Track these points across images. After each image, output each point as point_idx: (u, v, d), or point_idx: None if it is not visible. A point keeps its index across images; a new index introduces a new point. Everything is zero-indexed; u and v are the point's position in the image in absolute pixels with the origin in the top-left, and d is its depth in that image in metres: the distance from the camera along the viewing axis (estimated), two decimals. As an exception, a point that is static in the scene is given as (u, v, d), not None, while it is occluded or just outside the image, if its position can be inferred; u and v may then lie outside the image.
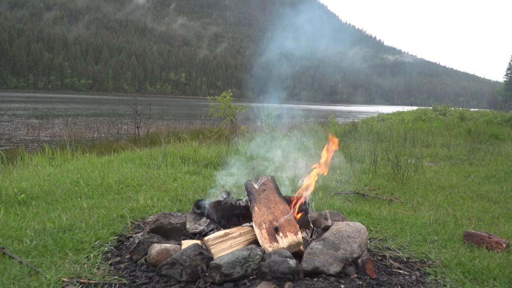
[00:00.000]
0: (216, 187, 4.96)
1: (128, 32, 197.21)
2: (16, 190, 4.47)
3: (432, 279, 2.64)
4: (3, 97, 57.20)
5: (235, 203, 3.21)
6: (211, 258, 2.61)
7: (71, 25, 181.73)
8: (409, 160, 7.40)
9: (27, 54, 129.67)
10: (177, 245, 2.82)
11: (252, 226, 2.88)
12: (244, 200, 3.23)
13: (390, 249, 3.15)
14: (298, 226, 2.91)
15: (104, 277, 2.54)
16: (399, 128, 14.61)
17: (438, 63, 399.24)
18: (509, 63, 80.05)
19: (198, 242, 2.81)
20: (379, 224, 3.79)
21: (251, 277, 2.49)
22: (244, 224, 3.02)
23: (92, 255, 2.85)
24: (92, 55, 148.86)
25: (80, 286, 2.42)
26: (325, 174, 3.34)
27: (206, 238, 2.75)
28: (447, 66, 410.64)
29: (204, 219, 3.24)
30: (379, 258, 2.99)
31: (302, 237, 2.87)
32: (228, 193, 3.66)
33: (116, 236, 3.31)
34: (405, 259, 2.96)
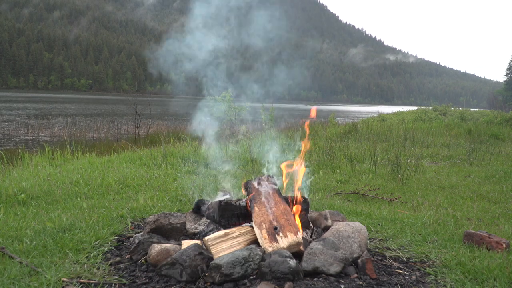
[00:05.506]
0: (216, 187, 4.96)
1: (128, 32, 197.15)
2: (16, 190, 4.47)
3: (432, 279, 2.64)
4: (3, 97, 57.20)
5: (235, 203, 3.21)
6: (211, 258, 2.61)
7: (71, 25, 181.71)
8: (409, 160, 7.40)
9: (27, 54, 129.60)
10: (177, 245, 2.82)
11: (252, 226, 2.88)
12: (244, 200, 3.23)
13: (390, 249, 3.15)
14: (298, 226, 2.91)
15: (104, 277, 2.54)
16: (399, 128, 14.61)
17: (438, 63, 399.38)
18: (509, 63, 80.00)
19: (198, 242, 2.81)
20: (379, 224, 3.79)
21: (251, 277, 2.49)
22: (244, 224, 3.02)
23: (92, 255, 2.85)
24: (92, 55, 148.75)
25: (80, 286, 2.42)
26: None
27: (206, 238, 2.75)
28: (447, 66, 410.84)
29: (204, 219, 3.24)
30: (379, 258, 2.99)
31: (302, 237, 2.87)
32: (228, 193, 3.66)
33: (116, 236, 3.31)
34: (405, 259, 2.96)
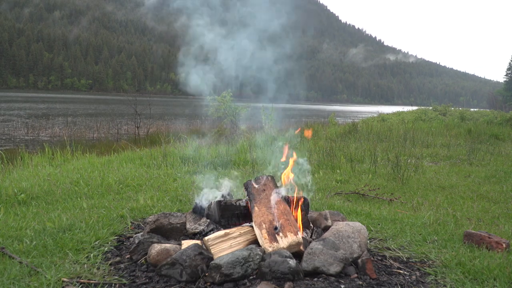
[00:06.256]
0: (217, 188, 4.95)
1: (128, 32, 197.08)
2: (16, 190, 4.48)
3: (432, 279, 2.64)
4: (3, 97, 57.19)
5: (235, 203, 3.21)
6: (211, 258, 2.61)
7: (71, 25, 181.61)
8: (409, 160, 7.40)
9: (27, 54, 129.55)
10: (177, 245, 2.82)
11: (252, 226, 2.88)
12: (244, 200, 3.23)
13: (390, 249, 3.15)
14: (298, 226, 2.91)
15: (104, 277, 2.54)
16: (399, 128, 14.61)
17: (438, 63, 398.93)
18: (509, 63, 79.95)
19: (198, 242, 2.81)
20: (379, 224, 3.79)
21: (251, 277, 2.49)
22: (244, 224, 3.02)
23: (92, 255, 2.85)
24: (92, 55, 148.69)
25: (80, 286, 2.42)
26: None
27: (206, 238, 2.75)
28: (447, 66, 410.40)
29: (204, 219, 3.24)
30: (379, 258, 2.99)
31: (302, 237, 2.88)
32: (228, 193, 3.66)
33: (116, 236, 3.31)
34: (405, 259, 2.97)
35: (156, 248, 2.72)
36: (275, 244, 2.67)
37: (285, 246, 2.66)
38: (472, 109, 45.00)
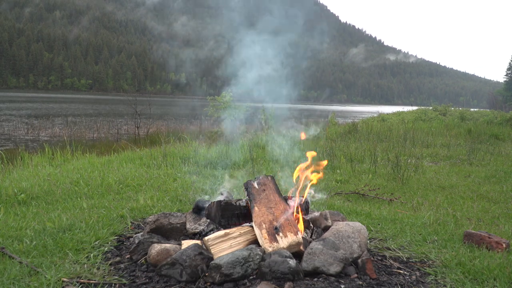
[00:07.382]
0: (216, 187, 4.96)
1: (128, 32, 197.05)
2: (16, 190, 4.48)
3: (432, 279, 2.64)
4: (3, 97, 57.18)
5: (235, 203, 3.21)
6: (211, 258, 2.61)
7: (71, 25, 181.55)
8: (409, 160, 7.40)
9: (27, 54, 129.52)
10: (177, 245, 2.82)
11: (252, 226, 2.88)
12: (244, 200, 3.23)
13: (390, 249, 3.15)
14: (298, 226, 2.91)
15: (104, 277, 2.54)
16: (399, 128, 14.60)
17: (438, 63, 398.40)
18: (509, 63, 79.93)
19: (198, 242, 2.81)
20: (379, 224, 3.79)
21: (251, 277, 2.49)
22: (244, 224, 3.02)
23: (92, 255, 2.85)
24: (92, 55, 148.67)
25: (80, 286, 2.42)
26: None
27: (206, 238, 2.75)
28: (447, 66, 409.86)
29: (204, 219, 3.24)
30: (379, 258, 2.99)
31: (302, 237, 2.87)
32: (228, 193, 3.66)
33: (116, 236, 3.31)
34: (405, 259, 2.97)
35: (156, 248, 2.72)
36: (275, 244, 2.67)
37: (285, 246, 2.66)
38: (472, 109, 45.01)
